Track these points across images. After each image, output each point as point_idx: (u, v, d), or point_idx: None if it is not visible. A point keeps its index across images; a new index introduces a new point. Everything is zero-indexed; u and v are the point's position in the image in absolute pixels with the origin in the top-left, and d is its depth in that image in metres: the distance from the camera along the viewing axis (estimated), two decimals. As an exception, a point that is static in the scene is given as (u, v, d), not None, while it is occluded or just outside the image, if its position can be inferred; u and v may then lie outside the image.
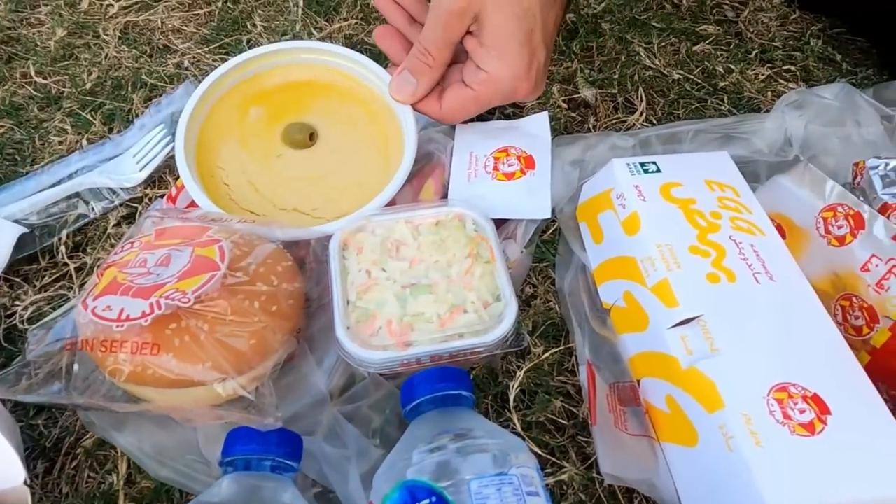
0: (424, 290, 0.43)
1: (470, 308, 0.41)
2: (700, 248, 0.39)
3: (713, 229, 0.40)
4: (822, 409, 0.33)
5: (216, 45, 0.67)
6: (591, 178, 0.47)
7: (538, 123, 0.54)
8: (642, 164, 0.44)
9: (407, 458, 0.31)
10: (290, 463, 0.34)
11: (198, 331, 0.35)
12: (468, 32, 0.47)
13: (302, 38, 0.67)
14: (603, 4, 0.71)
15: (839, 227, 0.40)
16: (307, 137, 0.53)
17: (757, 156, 0.50)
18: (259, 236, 0.43)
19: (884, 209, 0.40)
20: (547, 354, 0.43)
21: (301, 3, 0.70)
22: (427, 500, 0.29)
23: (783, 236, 0.43)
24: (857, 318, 0.39)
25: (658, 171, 0.44)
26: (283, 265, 0.43)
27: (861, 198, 0.42)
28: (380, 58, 0.65)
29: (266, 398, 0.36)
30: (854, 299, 0.39)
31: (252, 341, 0.38)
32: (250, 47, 0.66)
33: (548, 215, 0.48)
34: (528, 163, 0.50)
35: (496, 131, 0.54)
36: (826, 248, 0.40)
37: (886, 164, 0.41)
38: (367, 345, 0.39)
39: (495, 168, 0.50)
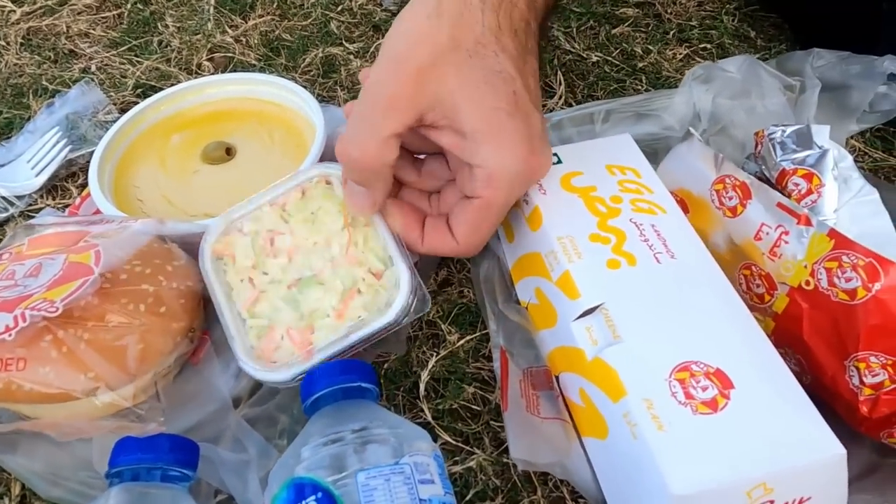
0: (311, 282, 0.41)
1: (363, 287, 0.40)
2: (600, 234, 0.39)
3: (613, 214, 0.40)
4: (725, 383, 0.33)
5: (125, 47, 0.64)
6: None
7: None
8: None
9: (297, 455, 0.30)
10: (183, 471, 0.33)
11: (76, 340, 0.33)
12: (434, 127, 0.36)
13: (215, 37, 0.65)
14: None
15: (730, 199, 0.40)
16: (224, 153, 0.53)
17: (668, 132, 0.50)
18: (149, 236, 0.41)
19: (782, 175, 0.40)
20: (462, 342, 0.42)
21: (213, 2, 0.68)
22: (312, 497, 0.28)
23: (686, 210, 0.43)
24: (758, 286, 0.39)
25: (559, 161, 0.43)
26: (174, 264, 0.41)
27: (763, 166, 0.42)
28: (297, 53, 0.64)
29: (149, 404, 0.34)
30: (753, 268, 0.39)
31: (139, 346, 0.36)
32: (161, 48, 0.65)
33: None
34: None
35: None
36: (723, 220, 0.40)
37: (783, 132, 0.41)
38: (272, 366, 0.38)
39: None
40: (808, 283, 0.36)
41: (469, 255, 0.41)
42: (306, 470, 0.29)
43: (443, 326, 0.43)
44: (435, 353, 0.41)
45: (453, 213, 0.39)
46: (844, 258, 0.34)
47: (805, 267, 0.36)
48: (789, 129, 0.41)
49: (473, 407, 0.39)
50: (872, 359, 0.34)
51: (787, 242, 0.37)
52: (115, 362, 0.34)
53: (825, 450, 0.31)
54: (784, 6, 0.66)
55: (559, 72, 0.62)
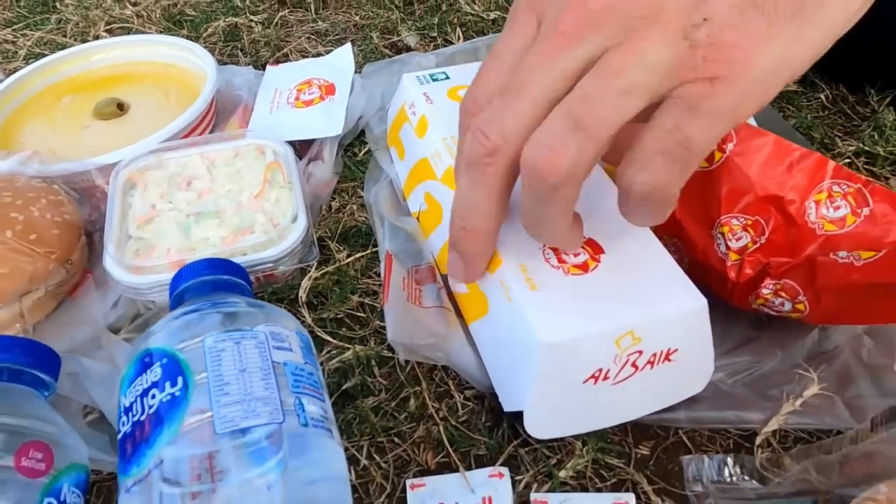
0: (210, 216, 0.41)
1: (259, 229, 0.40)
2: None
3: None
4: (596, 249, 0.33)
5: (20, 24, 0.64)
6: (390, 101, 0.47)
7: (342, 56, 0.54)
8: (432, 75, 0.44)
9: (148, 332, 0.29)
10: (39, 375, 0.31)
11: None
12: None
13: (113, 11, 0.65)
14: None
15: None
16: (116, 108, 0.52)
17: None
18: (26, 176, 0.40)
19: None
20: (350, 259, 0.42)
21: (113, -20, 0.68)
22: (158, 363, 0.27)
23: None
24: None
25: (447, 78, 0.44)
26: (51, 198, 0.40)
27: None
28: (199, 25, 0.64)
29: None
30: None
31: (3, 269, 0.35)
32: (59, 25, 0.64)
33: (339, 132, 0.47)
34: (329, 90, 0.50)
35: (302, 67, 0.53)
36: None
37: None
38: (138, 270, 0.37)
39: (297, 98, 0.50)
40: None
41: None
42: (155, 342, 0.28)
43: (331, 245, 0.42)
44: (323, 269, 0.41)
45: None
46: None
47: None
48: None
49: (360, 315, 0.39)
50: (734, 221, 0.35)
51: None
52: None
53: (688, 301, 0.31)
54: None
55: (458, 28, 0.64)
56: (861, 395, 0.32)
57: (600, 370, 0.30)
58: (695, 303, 0.32)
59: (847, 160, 0.48)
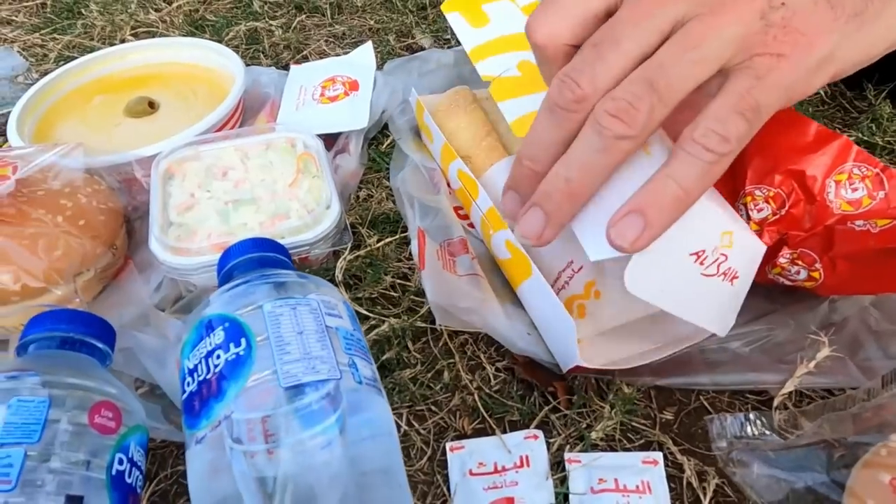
0: (248, 203, 0.43)
1: (294, 215, 0.42)
2: None
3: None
4: None
5: (48, 30, 0.66)
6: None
7: (364, 53, 0.56)
8: None
9: (205, 303, 0.31)
10: (98, 345, 0.33)
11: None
12: None
13: (138, 16, 0.67)
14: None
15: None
16: (147, 107, 0.54)
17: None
18: (67, 169, 0.42)
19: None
20: (380, 244, 0.44)
21: (136, -13, 0.71)
22: (220, 327, 0.29)
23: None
24: None
25: None
26: (95, 187, 0.43)
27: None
28: (221, 29, 0.67)
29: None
30: None
31: (57, 251, 0.37)
32: (86, 30, 0.66)
33: (364, 125, 0.49)
34: (353, 86, 0.52)
35: (326, 66, 0.56)
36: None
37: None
38: (182, 252, 0.39)
39: (322, 95, 0.52)
40: None
41: None
42: (214, 310, 0.30)
43: (362, 230, 0.45)
44: (355, 252, 0.43)
45: None
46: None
47: None
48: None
49: (393, 294, 0.41)
50: (757, 192, 0.37)
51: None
52: (33, 260, 0.35)
53: (757, 240, 0.33)
54: None
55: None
56: (869, 357, 0.35)
57: (703, 251, 0.31)
58: (760, 244, 0.33)
59: (847, 150, 0.51)
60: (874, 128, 0.52)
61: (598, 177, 0.28)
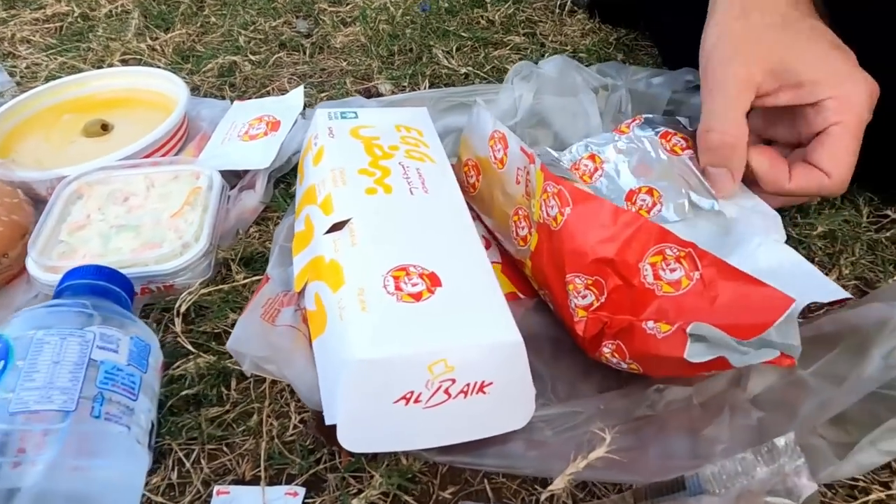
0: (130, 229, 0.46)
1: (166, 245, 0.45)
2: (369, 170, 0.42)
3: (387, 157, 0.44)
4: (434, 282, 0.35)
5: (56, 50, 0.73)
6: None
7: (294, 96, 0.59)
8: (342, 112, 0.48)
9: (14, 315, 0.33)
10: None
11: None
12: (769, 94, 0.41)
13: (131, 44, 0.74)
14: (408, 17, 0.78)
15: (497, 151, 0.43)
16: (100, 128, 0.59)
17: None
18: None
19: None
20: (246, 281, 0.45)
21: (137, 18, 0.77)
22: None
23: (478, 174, 0.46)
24: (522, 228, 0.41)
25: (355, 117, 0.48)
26: (7, 200, 0.47)
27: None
28: (202, 61, 0.72)
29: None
30: (520, 211, 0.41)
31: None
32: (80, 53, 0.73)
33: (266, 165, 0.51)
34: (274, 126, 0.55)
35: (262, 105, 0.59)
36: (498, 172, 0.44)
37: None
38: (54, 270, 0.42)
39: (246, 132, 0.55)
40: (539, 216, 0.39)
41: (839, 189, 0.42)
42: (10, 328, 0.32)
43: (233, 266, 0.46)
44: (220, 288, 0.45)
45: (812, 152, 0.42)
46: (549, 188, 0.37)
47: (537, 200, 0.39)
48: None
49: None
50: (577, 280, 0.36)
51: (529, 182, 0.40)
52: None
53: (504, 336, 0.33)
54: (658, 37, 0.70)
55: (428, 80, 0.68)
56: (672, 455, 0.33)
57: (412, 392, 0.32)
58: (510, 338, 0.33)
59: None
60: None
61: None
